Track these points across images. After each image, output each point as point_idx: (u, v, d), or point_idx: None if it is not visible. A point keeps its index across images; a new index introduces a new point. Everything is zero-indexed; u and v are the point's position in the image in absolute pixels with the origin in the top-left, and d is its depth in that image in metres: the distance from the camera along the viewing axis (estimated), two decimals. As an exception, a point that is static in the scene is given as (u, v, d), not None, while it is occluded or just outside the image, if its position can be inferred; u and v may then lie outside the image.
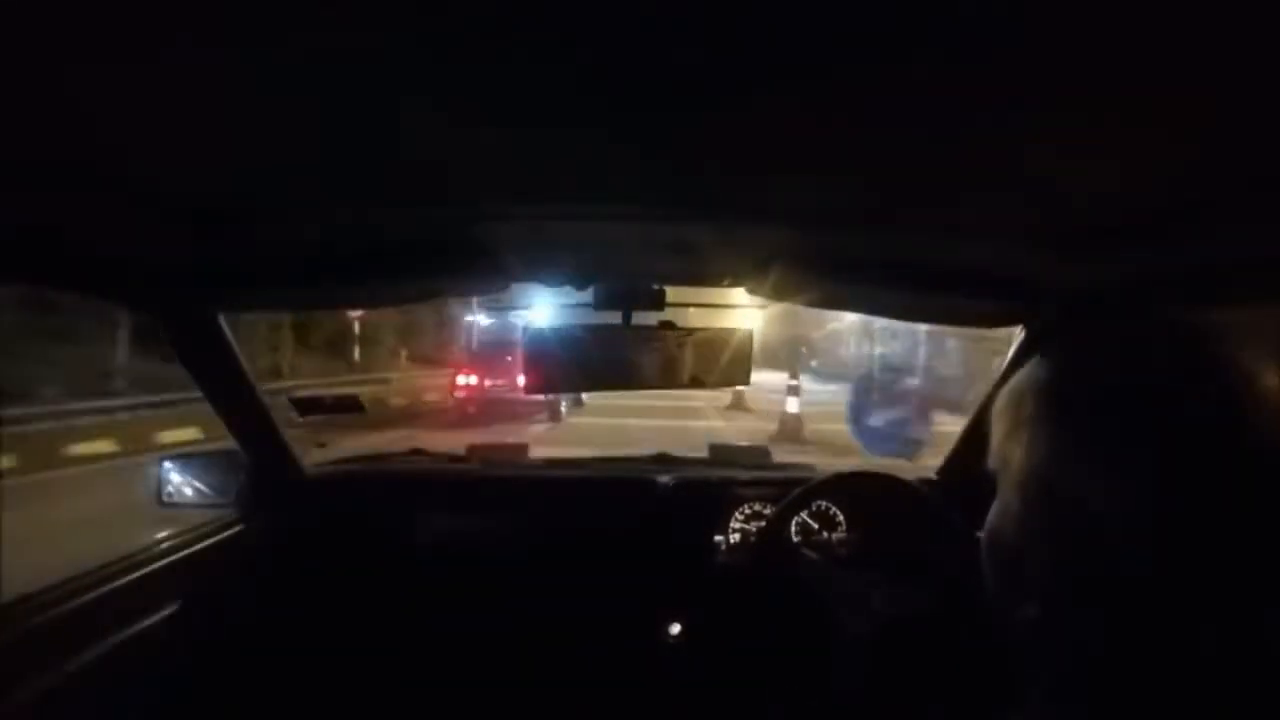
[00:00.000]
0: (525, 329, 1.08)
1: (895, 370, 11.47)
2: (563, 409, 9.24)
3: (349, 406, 2.76)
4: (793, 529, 1.32)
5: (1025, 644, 0.37)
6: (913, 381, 10.24)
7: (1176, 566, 0.31)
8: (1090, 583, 0.34)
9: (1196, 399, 0.32)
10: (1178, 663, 0.32)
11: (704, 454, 1.64)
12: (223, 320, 1.07)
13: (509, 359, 8.70)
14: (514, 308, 1.18)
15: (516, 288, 1.04)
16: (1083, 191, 0.61)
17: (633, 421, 7.93)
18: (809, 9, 0.34)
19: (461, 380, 9.25)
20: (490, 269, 0.93)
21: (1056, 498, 0.35)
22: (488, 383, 9.08)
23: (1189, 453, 0.31)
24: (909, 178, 0.60)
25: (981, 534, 0.42)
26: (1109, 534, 0.33)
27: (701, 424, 8.86)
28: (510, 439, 3.52)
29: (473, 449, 1.63)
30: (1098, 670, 0.34)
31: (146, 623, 0.96)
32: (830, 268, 0.90)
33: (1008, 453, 0.39)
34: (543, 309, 1.23)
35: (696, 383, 1.15)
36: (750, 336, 1.14)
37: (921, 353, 11.74)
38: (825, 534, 1.34)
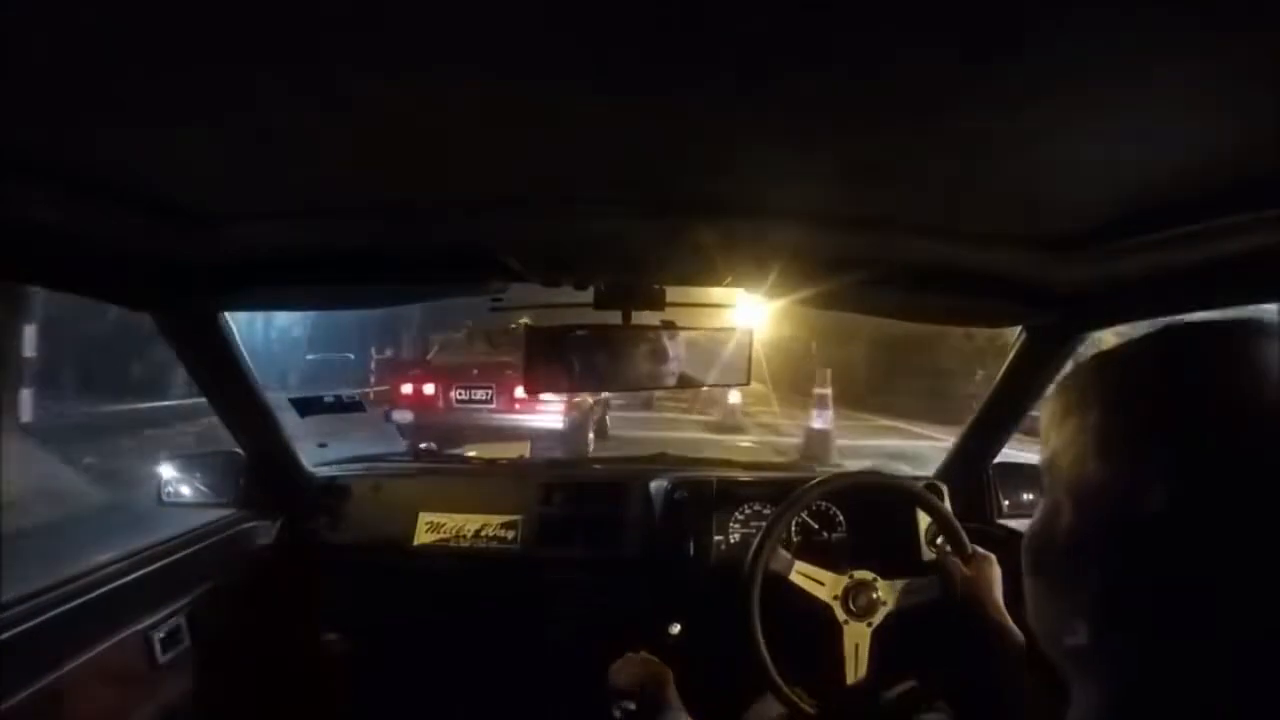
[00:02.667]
0: (528, 328, 1.08)
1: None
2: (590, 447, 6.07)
3: (351, 407, 2.77)
4: (793, 529, 1.32)
5: (1071, 652, 0.36)
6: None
7: (1241, 574, 0.29)
8: (1145, 595, 0.32)
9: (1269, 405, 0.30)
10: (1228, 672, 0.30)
11: (704, 454, 1.63)
12: (224, 320, 1.07)
13: (506, 366, 5.49)
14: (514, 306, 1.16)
15: (516, 287, 1.04)
16: (1083, 192, 0.61)
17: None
18: (810, 8, 0.34)
19: (407, 389, 5.66)
20: (490, 269, 0.93)
21: (1116, 508, 0.32)
22: (456, 394, 5.55)
23: (1262, 463, 0.29)
24: (909, 178, 0.60)
25: (1025, 537, 0.40)
26: (1169, 543, 0.31)
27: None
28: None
29: (473, 450, 1.63)
30: (1146, 682, 0.32)
31: (147, 622, 0.96)
32: (830, 268, 0.90)
33: (1058, 456, 0.37)
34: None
35: (696, 382, 1.15)
36: (750, 336, 1.14)
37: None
38: (825, 534, 1.34)
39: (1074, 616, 0.35)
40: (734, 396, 9.02)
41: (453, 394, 5.57)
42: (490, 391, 5.55)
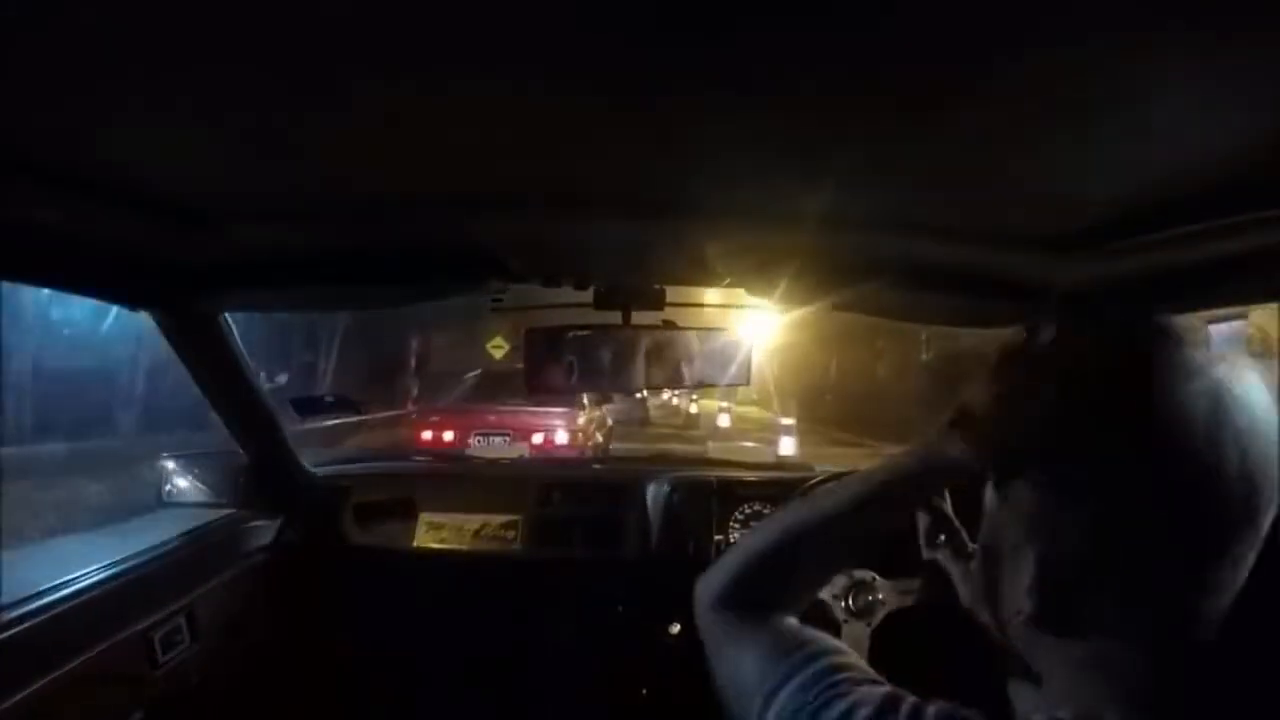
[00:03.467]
0: (528, 330, 1.08)
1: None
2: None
3: (349, 407, 2.77)
4: None
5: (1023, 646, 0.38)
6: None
7: (1185, 580, 0.31)
8: (1069, 583, 0.34)
9: (1203, 410, 0.32)
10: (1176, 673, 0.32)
11: (704, 454, 1.63)
12: (224, 320, 1.07)
13: (521, 413, 5.60)
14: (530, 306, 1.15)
15: (516, 287, 1.04)
16: (1083, 192, 0.61)
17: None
18: (810, 9, 0.34)
19: (427, 435, 5.90)
20: (490, 269, 0.93)
21: (1043, 501, 0.35)
22: (475, 440, 5.65)
23: (1199, 470, 0.31)
24: (909, 179, 0.60)
25: (980, 530, 0.41)
26: (1089, 532, 0.33)
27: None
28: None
29: (473, 451, 1.63)
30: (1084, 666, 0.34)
31: (147, 622, 0.96)
32: (830, 269, 0.89)
33: (1000, 452, 0.39)
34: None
35: (696, 383, 1.15)
36: (750, 337, 1.14)
37: None
38: None
39: (1016, 602, 0.37)
40: (786, 445, 7.32)
41: (471, 440, 5.66)
42: (507, 438, 5.65)
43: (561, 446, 5.72)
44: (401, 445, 5.99)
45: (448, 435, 5.79)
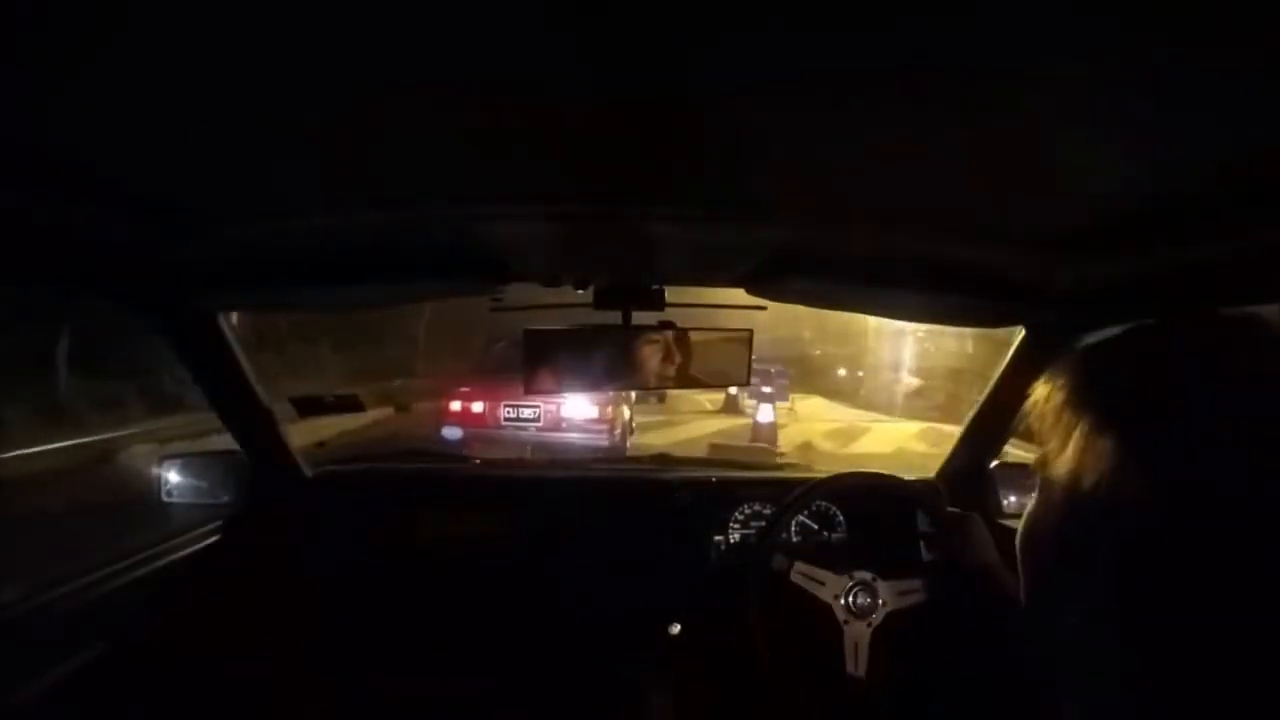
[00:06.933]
0: (527, 330, 1.08)
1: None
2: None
3: (349, 405, 2.77)
4: (793, 529, 1.32)
5: (1064, 645, 0.37)
6: None
7: (1228, 573, 0.30)
8: (1135, 589, 0.33)
9: (1256, 401, 0.31)
10: (1219, 669, 0.31)
11: (704, 454, 1.63)
12: (222, 320, 1.07)
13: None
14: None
15: (516, 287, 1.04)
16: (1083, 191, 0.61)
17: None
18: (808, 8, 0.34)
19: (456, 406, 5.64)
20: (489, 269, 0.93)
21: (1105, 503, 0.34)
22: (504, 412, 5.46)
23: (1247, 460, 0.30)
24: (909, 177, 0.60)
25: (1018, 530, 0.41)
26: (1159, 539, 0.32)
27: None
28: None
29: (473, 450, 1.63)
30: (1138, 676, 0.33)
31: (146, 622, 0.96)
32: (830, 268, 0.90)
33: (1051, 452, 0.38)
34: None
35: (696, 382, 1.15)
36: (750, 336, 1.14)
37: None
38: (825, 534, 1.34)
39: (1065, 608, 0.36)
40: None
41: (500, 412, 5.52)
42: (537, 410, 5.51)
43: (592, 422, 5.53)
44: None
45: (477, 407, 5.56)
